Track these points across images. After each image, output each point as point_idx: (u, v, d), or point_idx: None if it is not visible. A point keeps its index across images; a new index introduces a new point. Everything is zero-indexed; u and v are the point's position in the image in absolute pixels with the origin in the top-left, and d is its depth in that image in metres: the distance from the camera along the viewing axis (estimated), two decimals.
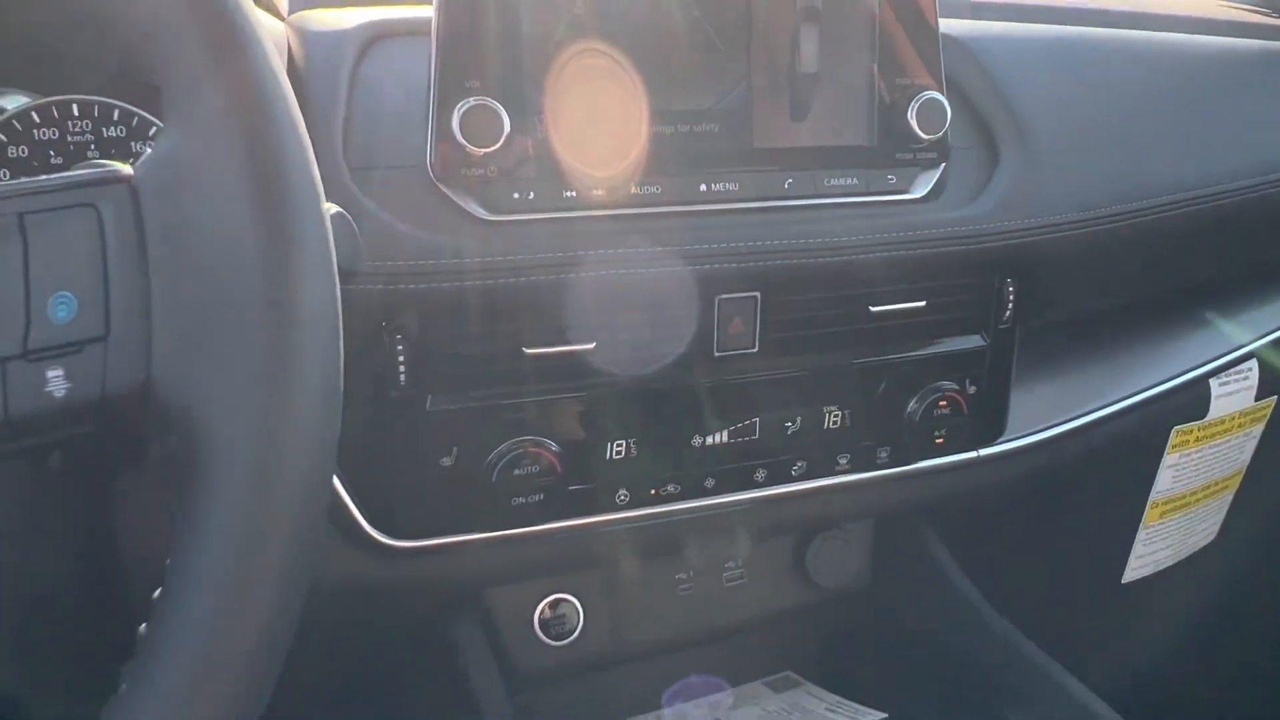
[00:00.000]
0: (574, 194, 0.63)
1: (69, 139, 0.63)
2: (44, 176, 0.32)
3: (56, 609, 0.56)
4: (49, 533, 0.52)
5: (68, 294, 0.31)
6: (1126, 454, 0.93)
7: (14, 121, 0.62)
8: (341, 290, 0.57)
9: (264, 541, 0.31)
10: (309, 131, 0.59)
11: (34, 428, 0.31)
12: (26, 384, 0.30)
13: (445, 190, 0.61)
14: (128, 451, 0.38)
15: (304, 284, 0.33)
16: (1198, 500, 1.04)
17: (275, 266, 0.32)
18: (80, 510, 0.54)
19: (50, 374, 0.31)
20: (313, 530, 0.34)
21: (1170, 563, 1.06)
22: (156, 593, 0.32)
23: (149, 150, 0.33)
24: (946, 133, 0.70)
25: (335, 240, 0.43)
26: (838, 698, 0.80)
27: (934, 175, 0.72)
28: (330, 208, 0.45)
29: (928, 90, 0.69)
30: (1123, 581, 1.02)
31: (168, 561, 0.32)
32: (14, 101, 0.63)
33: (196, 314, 0.32)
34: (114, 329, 0.32)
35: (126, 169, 0.33)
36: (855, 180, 0.70)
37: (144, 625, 0.32)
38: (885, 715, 0.75)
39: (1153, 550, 1.04)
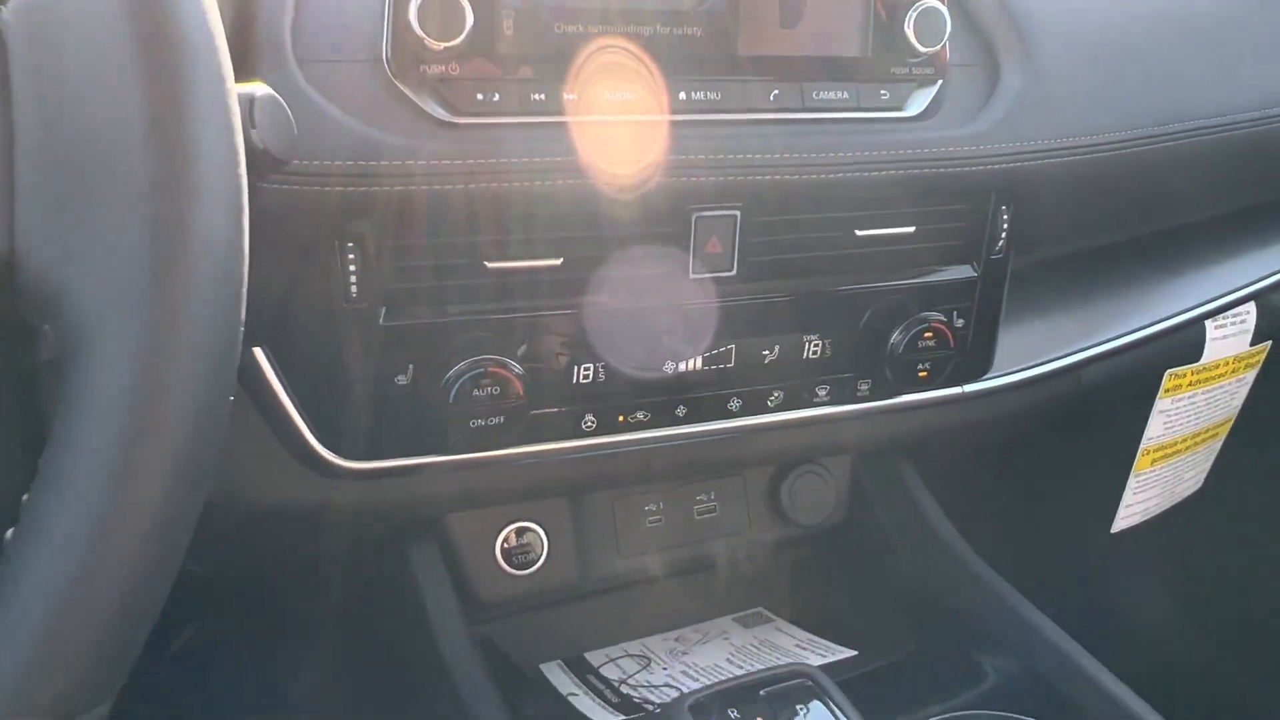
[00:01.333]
0: (541, 97, 0.58)
1: None
2: None
3: None
4: None
5: None
6: (1118, 397, 0.90)
7: None
8: (285, 190, 0.54)
9: (146, 446, 0.28)
10: (253, 17, 0.55)
11: None
12: None
13: (402, 88, 0.56)
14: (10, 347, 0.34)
15: (195, 148, 0.29)
16: (1188, 448, 1.02)
17: (163, 131, 0.28)
18: (11, 406, 0.50)
19: None
20: (207, 438, 0.30)
21: (1157, 511, 1.04)
22: (24, 497, 0.29)
23: None
24: (945, 46, 0.66)
25: (262, 122, 0.39)
26: (808, 634, 0.78)
27: (930, 92, 0.67)
28: (259, 88, 0.41)
29: (927, 0, 0.64)
30: (1112, 531, 1.01)
31: (39, 462, 0.29)
32: None
33: (69, 180, 0.28)
34: None
35: None
36: (846, 94, 0.65)
37: (10, 531, 0.29)
38: (855, 653, 0.73)
39: (1142, 499, 1.02)
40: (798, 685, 0.50)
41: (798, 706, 0.48)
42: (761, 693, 0.49)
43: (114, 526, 0.28)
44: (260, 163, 0.37)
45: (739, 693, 0.49)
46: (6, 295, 0.28)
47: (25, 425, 0.53)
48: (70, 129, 0.28)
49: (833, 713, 0.48)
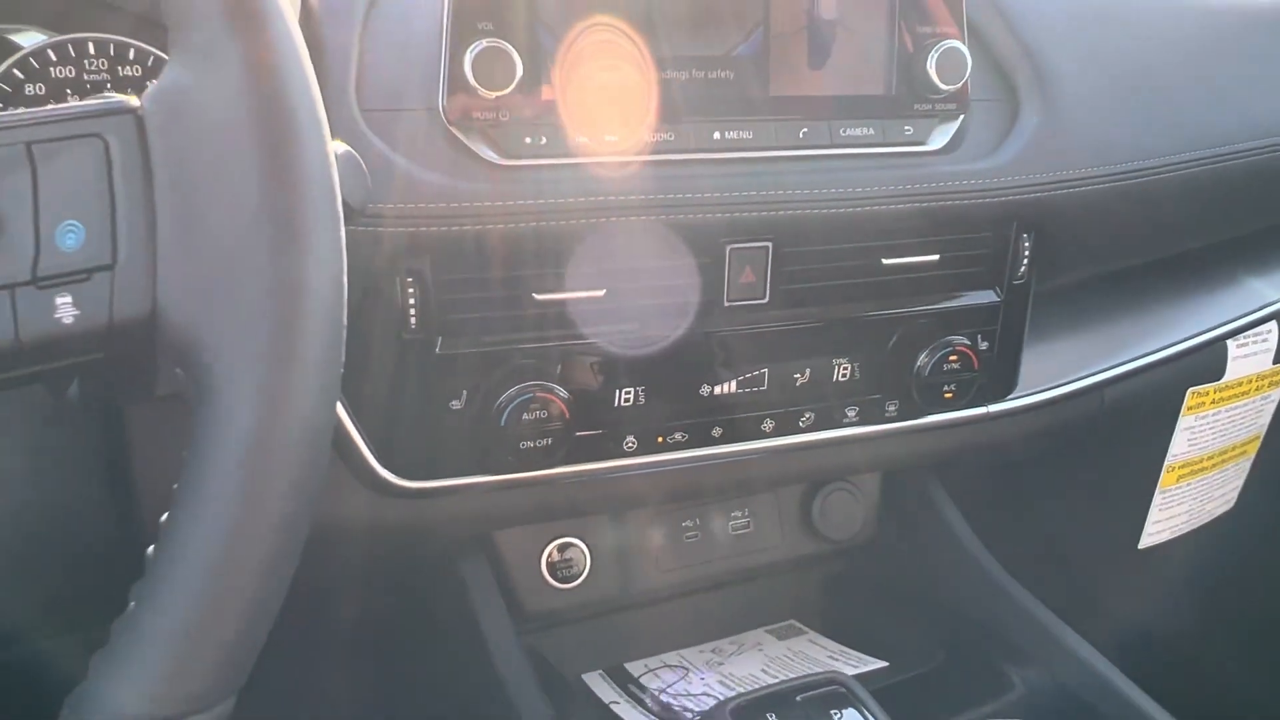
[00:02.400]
0: (586, 140, 0.62)
1: (85, 77, 0.64)
2: (50, 107, 0.32)
3: (71, 535, 0.58)
4: (65, 461, 0.54)
5: (75, 222, 0.32)
6: (1141, 416, 0.93)
7: (30, 59, 0.62)
8: (351, 231, 0.58)
9: (269, 469, 0.32)
10: (321, 72, 0.59)
11: (45, 353, 0.32)
12: (36, 310, 0.31)
13: (457, 134, 0.61)
14: (138, 381, 0.39)
15: (307, 218, 0.33)
16: (1215, 465, 1.04)
17: (278, 200, 0.33)
18: (95, 440, 0.55)
19: (59, 300, 0.31)
20: (317, 460, 0.34)
21: (1187, 529, 1.06)
22: (164, 517, 0.33)
23: (155, 82, 0.34)
24: (966, 83, 0.69)
25: (342, 179, 0.43)
26: (840, 646, 0.81)
27: (952, 127, 0.71)
28: (338, 146, 0.45)
29: (948, 39, 0.68)
30: (1139, 547, 1.02)
31: (175, 486, 0.33)
32: (31, 39, 0.63)
33: (201, 246, 0.32)
34: (121, 258, 0.32)
35: (133, 100, 0.34)
36: (871, 130, 0.69)
37: (152, 547, 0.33)
38: (885, 664, 0.76)
39: (1170, 515, 1.03)
40: (832, 692, 0.53)
41: (832, 712, 0.51)
42: (798, 699, 0.52)
43: (242, 545, 0.32)
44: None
45: (777, 699, 0.52)
46: (144, 344, 0.33)
47: (109, 453, 0.58)
48: (201, 203, 0.32)
49: (865, 717, 0.51)
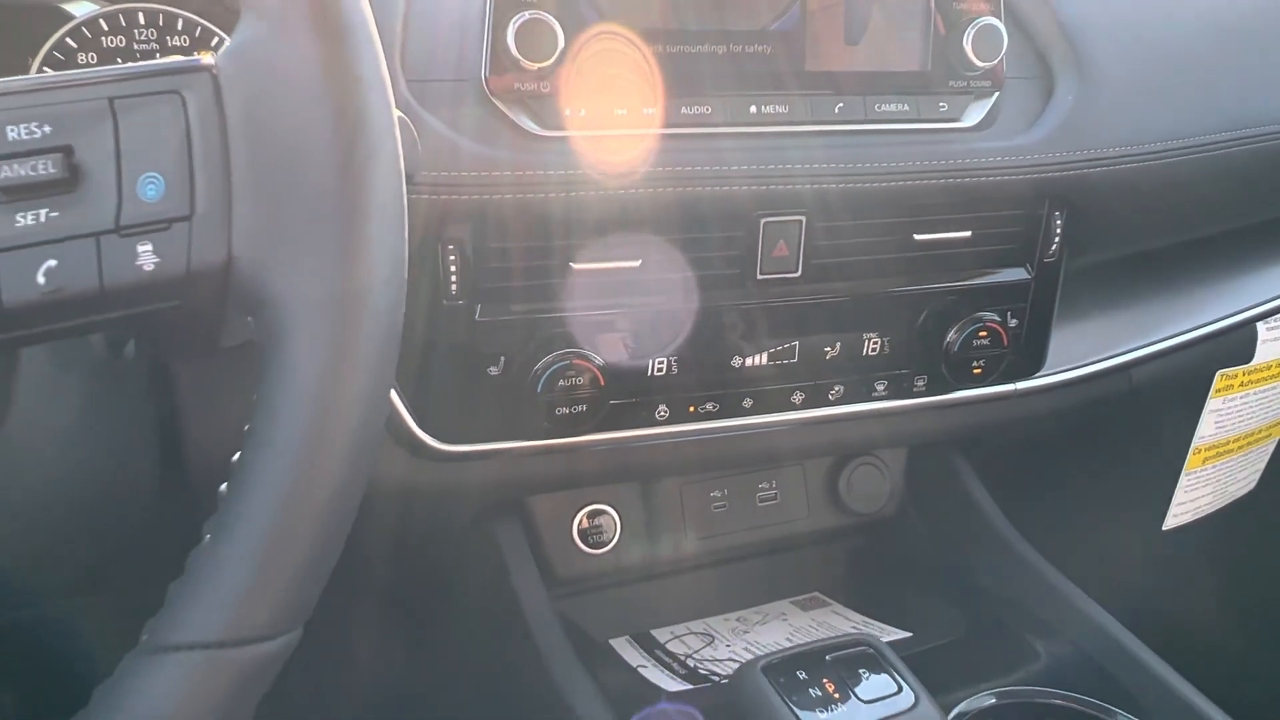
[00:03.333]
0: (624, 112, 0.63)
1: (135, 46, 0.65)
2: (131, 65, 0.34)
3: (121, 491, 0.60)
4: (118, 418, 0.56)
5: (156, 175, 0.33)
6: (1169, 396, 0.93)
7: (83, 28, 0.64)
8: None
9: (338, 409, 0.34)
10: None
11: (126, 299, 0.33)
12: (119, 258, 0.33)
13: (499, 104, 0.62)
14: (206, 334, 0.40)
15: (374, 178, 0.35)
16: (1240, 448, 1.04)
17: (347, 159, 0.34)
18: (146, 399, 0.57)
19: (141, 249, 0.33)
20: (381, 401, 0.36)
21: (1210, 510, 1.06)
22: (235, 456, 0.35)
23: (229, 42, 0.35)
24: (1002, 60, 0.70)
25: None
26: (863, 617, 0.82)
27: (987, 104, 0.71)
28: (396, 117, 0.47)
29: (985, 16, 0.68)
30: (1164, 528, 1.03)
31: (246, 428, 0.35)
32: (83, 9, 0.65)
33: (274, 198, 0.34)
34: (198, 209, 0.34)
35: (208, 59, 0.35)
36: (906, 107, 0.70)
37: (224, 485, 0.35)
38: (909, 634, 0.77)
39: (1194, 497, 1.03)
40: (861, 652, 0.54)
41: (860, 670, 0.53)
42: (828, 658, 0.54)
43: (311, 479, 0.34)
44: None
45: (807, 657, 0.54)
46: (218, 293, 0.34)
47: (159, 411, 0.60)
48: (273, 157, 0.34)
49: (894, 678, 0.52)
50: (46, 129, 0.32)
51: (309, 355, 0.34)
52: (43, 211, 0.32)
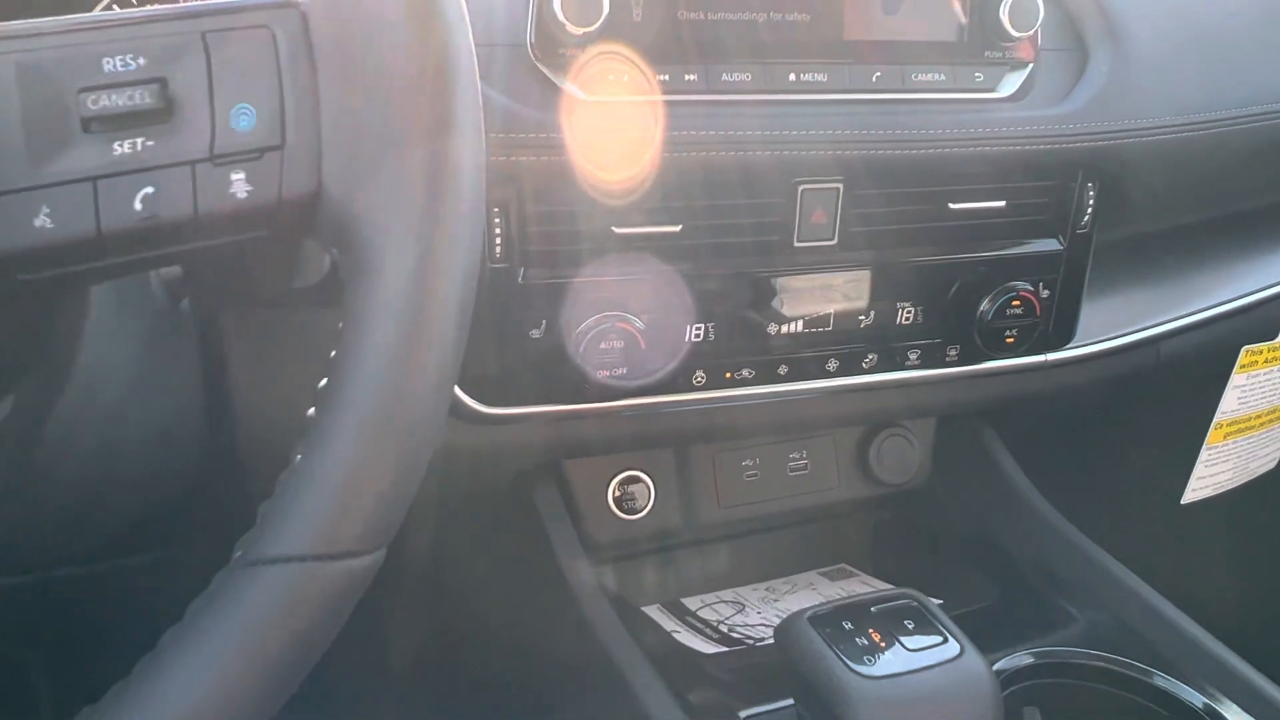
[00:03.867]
0: (667, 78, 0.64)
1: None
2: (222, 0, 0.35)
3: (173, 444, 0.60)
4: (175, 369, 0.56)
5: (247, 106, 0.34)
6: (1194, 371, 0.93)
7: None
8: None
9: (425, 331, 0.35)
10: None
11: (219, 227, 0.34)
12: (214, 185, 0.34)
13: (543, 69, 0.63)
14: (278, 273, 0.41)
15: (457, 103, 0.36)
16: (1262, 424, 1.04)
17: (432, 87, 0.35)
18: (196, 354, 0.58)
19: (234, 177, 0.34)
20: (463, 325, 0.37)
21: (1230, 485, 1.06)
22: (322, 382, 0.36)
23: None
24: (1038, 31, 0.70)
25: None
26: (893, 587, 0.83)
27: (1022, 74, 0.72)
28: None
29: None
30: (1182, 502, 1.03)
31: (332, 354, 0.35)
32: None
33: (361, 129, 0.35)
34: (289, 140, 0.35)
35: None
36: (943, 76, 0.70)
37: (311, 409, 0.36)
38: (940, 601, 0.78)
39: (1215, 472, 1.04)
40: (906, 605, 0.55)
41: (905, 622, 0.53)
42: (873, 609, 0.54)
43: (399, 401, 0.34)
44: None
45: (852, 609, 0.54)
46: (306, 223, 0.35)
47: (207, 365, 0.61)
48: (360, 90, 0.35)
49: (939, 629, 0.53)
50: (142, 61, 0.33)
51: (395, 278, 0.34)
52: (139, 140, 0.33)
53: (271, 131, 0.34)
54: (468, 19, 0.38)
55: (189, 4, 0.34)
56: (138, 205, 0.33)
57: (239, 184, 0.34)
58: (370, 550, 0.35)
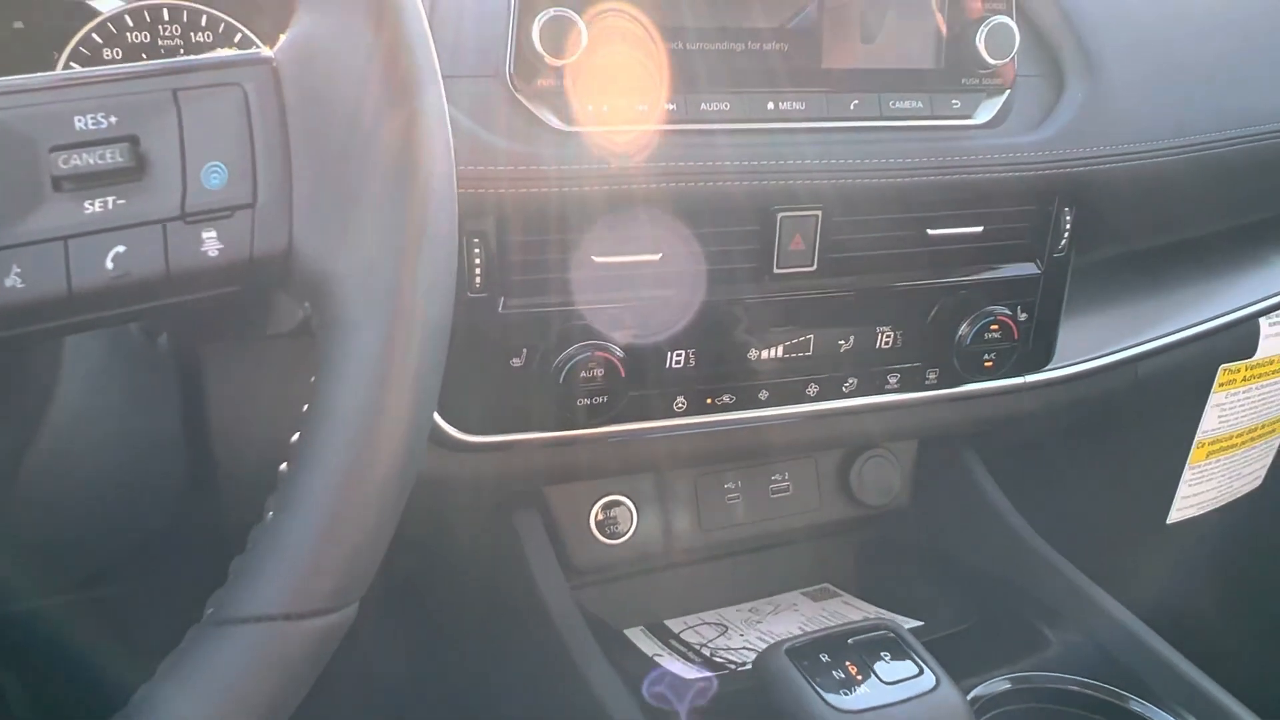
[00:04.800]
0: (646, 108, 0.65)
1: (159, 43, 0.66)
2: (194, 57, 0.35)
3: (154, 480, 0.60)
4: (148, 406, 0.57)
5: (219, 164, 0.34)
6: (1173, 391, 0.94)
7: (109, 24, 0.65)
8: None
9: (396, 388, 0.35)
10: None
11: (190, 284, 0.34)
12: (185, 243, 0.34)
13: (522, 100, 0.63)
14: (253, 320, 0.41)
15: (430, 160, 0.36)
16: (1244, 442, 1.05)
17: (404, 144, 0.35)
18: (176, 387, 0.58)
19: (205, 235, 0.34)
20: (435, 382, 0.37)
21: (1215, 505, 1.07)
22: (294, 437, 0.36)
23: (286, 34, 0.36)
24: (1014, 58, 0.71)
25: None
26: (875, 608, 0.83)
27: (999, 101, 0.73)
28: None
29: (997, 15, 0.69)
30: (1168, 522, 1.04)
31: (305, 408, 0.36)
32: (109, 5, 0.66)
33: (333, 186, 0.35)
34: (260, 197, 0.35)
35: (267, 51, 0.36)
36: (920, 104, 0.71)
37: (284, 464, 0.36)
38: (921, 623, 0.78)
39: (1198, 491, 1.05)
40: (882, 636, 0.56)
41: (882, 653, 0.54)
42: (850, 641, 0.55)
43: (370, 457, 0.35)
44: None
45: (829, 640, 0.55)
46: (279, 279, 0.35)
47: (187, 400, 0.61)
48: (333, 147, 0.35)
49: (915, 661, 0.54)
50: (113, 119, 0.33)
51: (368, 336, 0.35)
52: (111, 199, 0.33)
53: (243, 189, 0.34)
54: (440, 75, 0.38)
55: (161, 61, 0.35)
56: (109, 264, 0.33)
57: (210, 242, 0.34)
58: (343, 606, 0.36)
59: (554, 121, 0.63)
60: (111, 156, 0.33)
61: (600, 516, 0.80)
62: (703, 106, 0.66)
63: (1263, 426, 1.06)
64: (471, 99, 0.63)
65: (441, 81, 0.38)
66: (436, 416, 0.67)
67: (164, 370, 0.57)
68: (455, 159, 0.61)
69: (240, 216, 0.34)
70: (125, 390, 0.53)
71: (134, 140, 0.33)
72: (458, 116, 0.61)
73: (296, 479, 0.35)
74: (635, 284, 0.67)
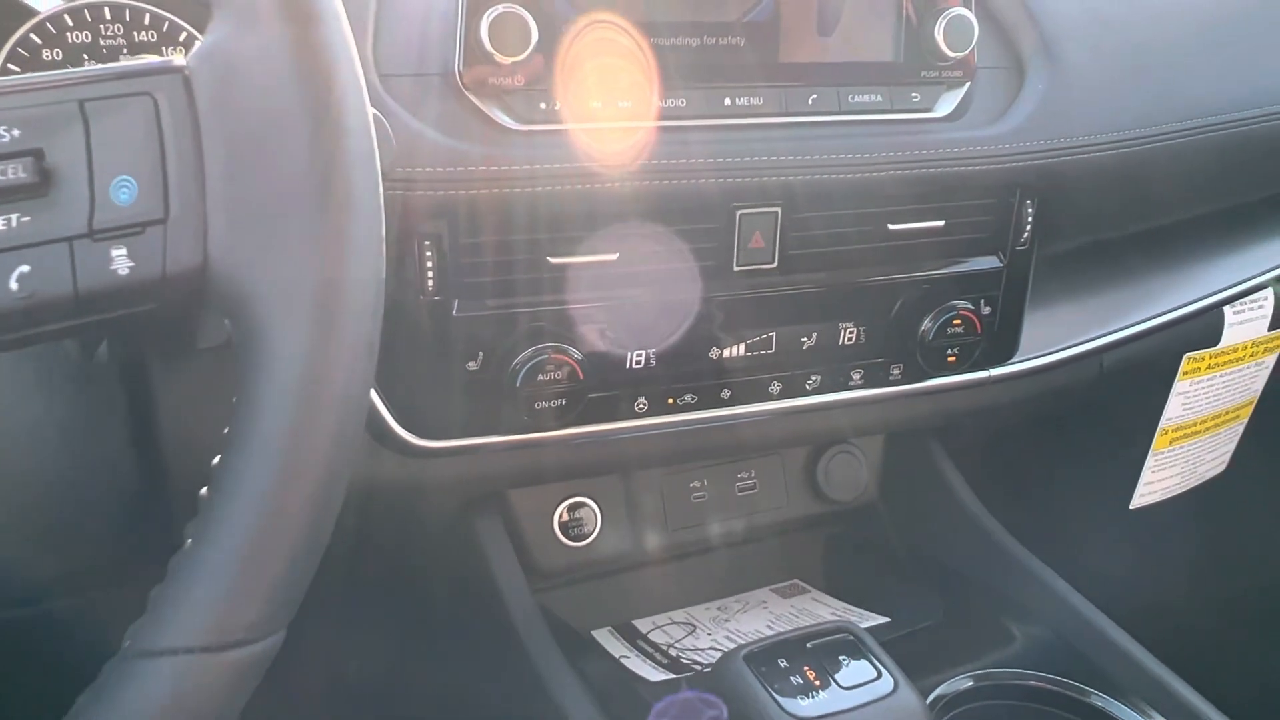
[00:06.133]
0: (599, 105, 0.63)
1: (101, 43, 0.64)
2: (101, 66, 0.34)
3: (98, 492, 0.59)
4: (93, 420, 0.55)
5: (128, 178, 0.33)
6: (1138, 380, 0.94)
7: (48, 24, 0.63)
8: None
9: (317, 411, 0.34)
10: None
11: (101, 304, 0.33)
12: (93, 262, 0.32)
13: (473, 99, 0.61)
14: (181, 335, 0.40)
15: (350, 171, 0.35)
16: (1208, 429, 1.06)
17: (322, 154, 0.34)
18: (122, 400, 0.56)
19: (115, 253, 0.33)
20: (360, 403, 0.36)
21: (1179, 490, 1.08)
22: (216, 459, 0.35)
23: (199, 42, 0.35)
24: (973, 50, 0.70)
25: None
26: (843, 603, 0.83)
27: (958, 94, 0.72)
28: (370, 113, 0.46)
29: (955, 7, 0.69)
30: (1130, 507, 1.05)
31: (225, 431, 0.34)
32: (48, 4, 0.64)
33: (249, 200, 0.34)
34: (173, 212, 0.33)
35: (180, 60, 0.35)
36: (879, 97, 0.70)
37: (205, 489, 0.35)
38: (888, 619, 0.78)
39: (1162, 477, 1.06)
40: (841, 639, 0.55)
41: (841, 658, 0.53)
42: (808, 645, 0.54)
43: (293, 482, 0.34)
44: None
45: (788, 645, 0.54)
46: (195, 296, 0.34)
47: (135, 412, 0.60)
48: (248, 159, 0.34)
49: (873, 664, 0.53)
50: (16, 132, 0.32)
51: (288, 356, 0.33)
52: (14, 216, 0.31)
53: (154, 204, 0.33)
54: (361, 78, 0.37)
55: (68, 71, 0.33)
56: (13, 284, 0.31)
57: (120, 260, 0.33)
58: (268, 635, 0.35)
59: (505, 120, 0.62)
60: (14, 172, 0.31)
61: (564, 518, 0.79)
62: (658, 103, 0.65)
63: (1227, 413, 1.07)
64: (420, 98, 0.61)
65: (365, 88, 0.37)
66: (393, 422, 0.66)
67: (106, 382, 0.56)
68: (411, 160, 0.61)
69: (152, 233, 0.33)
70: (65, 406, 0.52)
71: (39, 154, 0.32)
72: (406, 117, 0.60)
73: (216, 505, 0.33)
74: (592, 285, 0.66)
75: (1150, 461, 1.02)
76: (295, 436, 0.33)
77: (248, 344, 0.34)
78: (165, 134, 0.33)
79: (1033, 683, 0.67)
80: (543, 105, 0.62)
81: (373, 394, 0.65)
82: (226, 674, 0.33)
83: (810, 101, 0.68)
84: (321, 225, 0.34)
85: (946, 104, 0.72)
